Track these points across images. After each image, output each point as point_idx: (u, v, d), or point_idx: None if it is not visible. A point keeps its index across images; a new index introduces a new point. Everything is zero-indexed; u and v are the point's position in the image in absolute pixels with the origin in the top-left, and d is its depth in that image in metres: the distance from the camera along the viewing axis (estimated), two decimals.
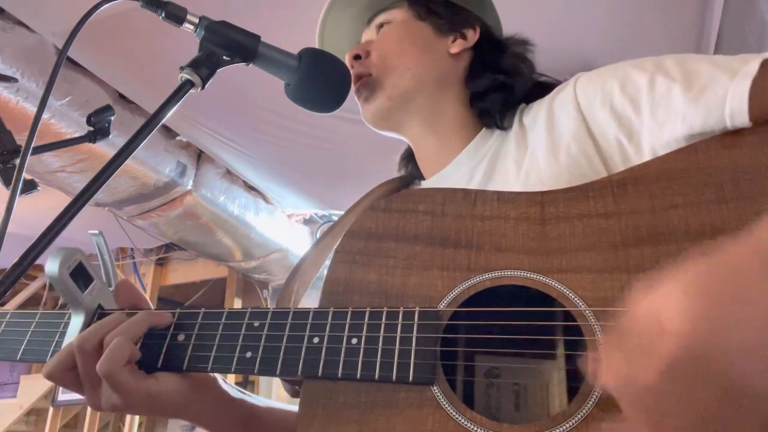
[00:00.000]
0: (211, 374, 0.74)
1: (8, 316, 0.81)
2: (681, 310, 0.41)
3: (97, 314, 0.74)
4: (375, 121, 0.92)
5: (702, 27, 2.04)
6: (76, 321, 0.73)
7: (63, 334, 0.75)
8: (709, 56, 0.68)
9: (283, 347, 0.66)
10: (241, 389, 0.80)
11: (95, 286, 0.74)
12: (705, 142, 0.64)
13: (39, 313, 0.79)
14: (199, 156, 3.02)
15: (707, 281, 0.42)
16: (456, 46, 0.91)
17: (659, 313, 0.42)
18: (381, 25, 0.93)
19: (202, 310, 0.72)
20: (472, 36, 0.92)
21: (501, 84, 0.89)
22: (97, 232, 0.79)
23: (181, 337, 0.70)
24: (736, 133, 0.62)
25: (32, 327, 0.78)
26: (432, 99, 0.90)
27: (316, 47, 0.90)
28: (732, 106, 0.61)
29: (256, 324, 0.68)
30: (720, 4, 1.92)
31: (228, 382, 0.77)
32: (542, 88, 0.89)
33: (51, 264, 0.69)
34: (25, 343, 0.77)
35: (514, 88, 0.88)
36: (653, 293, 0.43)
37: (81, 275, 0.72)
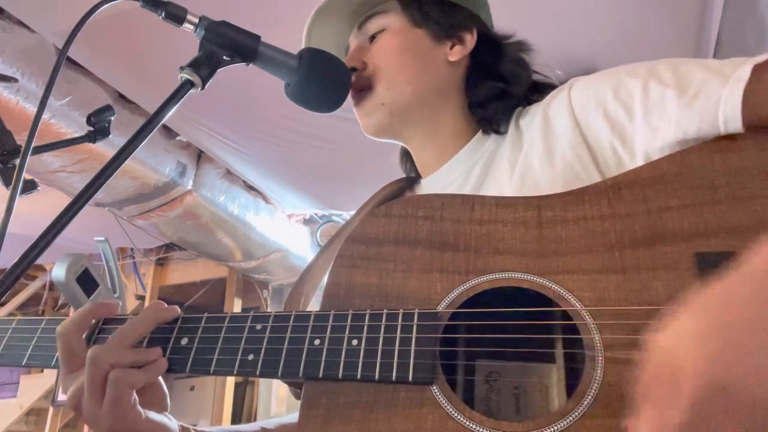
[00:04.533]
0: (173, 428, 0.73)
1: (14, 323, 0.82)
2: (696, 347, 0.41)
3: (102, 318, 0.75)
4: (375, 134, 0.92)
5: (702, 27, 2.04)
6: None
7: None
8: (701, 61, 0.69)
9: (284, 349, 0.66)
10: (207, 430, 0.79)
11: (100, 291, 0.75)
12: (697, 146, 0.65)
13: (45, 319, 0.80)
14: (199, 156, 3.02)
15: (717, 314, 0.42)
16: (454, 54, 0.90)
17: (677, 355, 0.42)
18: (374, 35, 0.90)
19: (205, 314, 0.73)
20: (470, 40, 0.90)
21: (501, 91, 0.88)
22: (103, 238, 0.79)
23: (184, 341, 0.71)
24: (728, 137, 0.63)
25: (38, 333, 0.79)
26: (431, 110, 0.90)
27: (316, 47, 0.90)
28: (725, 113, 0.62)
29: (258, 327, 0.69)
30: (720, 4, 1.92)
31: (191, 428, 0.77)
32: (537, 88, 0.89)
33: (58, 269, 0.70)
34: (30, 349, 0.78)
35: (513, 94, 0.88)
36: (666, 334, 0.44)
37: (87, 281, 0.74)
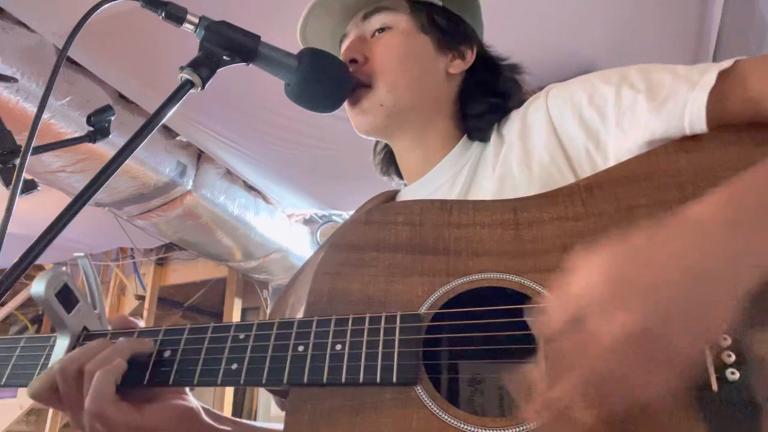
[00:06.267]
0: (194, 406, 0.73)
1: None
2: (605, 289, 0.46)
3: (82, 335, 0.74)
4: (368, 133, 0.92)
5: (702, 27, 2.04)
6: (62, 343, 0.73)
7: (49, 357, 0.75)
8: (671, 67, 0.72)
9: (268, 357, 0.67)
10: (230, 417, 0.79)
11: (81, 307, 0.74)
12: (664, 146, 0.67)
13: (24, 338, 0.79)
14: (199, 156, 3.02)
15: (631, 253, 0.47)
16: (454, 67, 0.92)
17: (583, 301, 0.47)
18: (377, 30, 0.90)
19: (188, 326, 0.73)
20: (470, 56, 0.93)
21: (497, 106, 0.91)
22: (82, 254, 0.79)
23: (167, 353, 0.71)
24: (694, 137, 0.66)
25: (17, 351, 0.78)
26: (425, 117, 0.91)
27: (316, 48, 0.89)
28: (691, 116, 0.65)
29: (242, 336, 0.69)
30: (720, 4, 1.92)
31: (214, 411, 0.76)
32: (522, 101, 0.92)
33: (37, 285, 0.69)
34: (10, 368, 0.77)
35: (506, 109, 0.91)
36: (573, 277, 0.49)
37: (67, 297, 0.72)
